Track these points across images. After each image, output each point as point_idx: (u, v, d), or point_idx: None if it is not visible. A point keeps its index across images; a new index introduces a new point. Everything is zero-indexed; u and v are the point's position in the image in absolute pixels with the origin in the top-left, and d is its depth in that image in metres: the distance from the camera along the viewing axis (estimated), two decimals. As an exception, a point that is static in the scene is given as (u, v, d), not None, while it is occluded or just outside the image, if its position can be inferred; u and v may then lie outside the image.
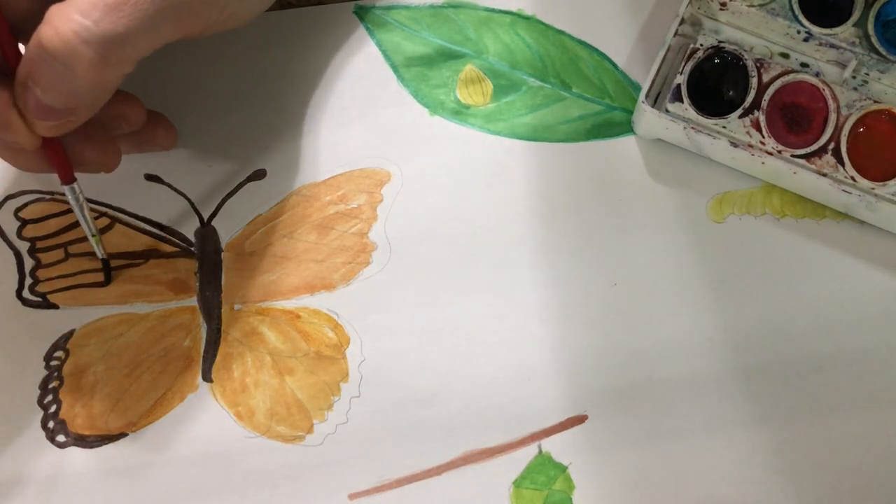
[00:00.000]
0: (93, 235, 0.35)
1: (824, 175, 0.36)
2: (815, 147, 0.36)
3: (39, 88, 0.29)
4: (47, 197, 0.38)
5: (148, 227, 0.37)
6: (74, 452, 0.35)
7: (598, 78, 0.39)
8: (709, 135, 0.36)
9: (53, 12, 0.29)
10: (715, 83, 0.37)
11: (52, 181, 0.38)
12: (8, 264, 0.37)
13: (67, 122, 0.31)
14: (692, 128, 0.36)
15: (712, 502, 0.34)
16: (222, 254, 0.37)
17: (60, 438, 0.35)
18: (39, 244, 0.37)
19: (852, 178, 0.36)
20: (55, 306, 0.36)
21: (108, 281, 0.37)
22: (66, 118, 0.30)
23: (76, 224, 0.37)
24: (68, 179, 0.34)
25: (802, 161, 0.36)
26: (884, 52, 0.36)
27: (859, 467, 0.34)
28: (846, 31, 0.37)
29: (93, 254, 0.37)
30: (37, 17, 0.31)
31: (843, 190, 0.35)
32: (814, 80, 0.36)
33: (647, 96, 0.36)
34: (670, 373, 0.35)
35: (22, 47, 0.32)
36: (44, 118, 0.30)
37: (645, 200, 0.37)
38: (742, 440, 0.35)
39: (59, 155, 0.33)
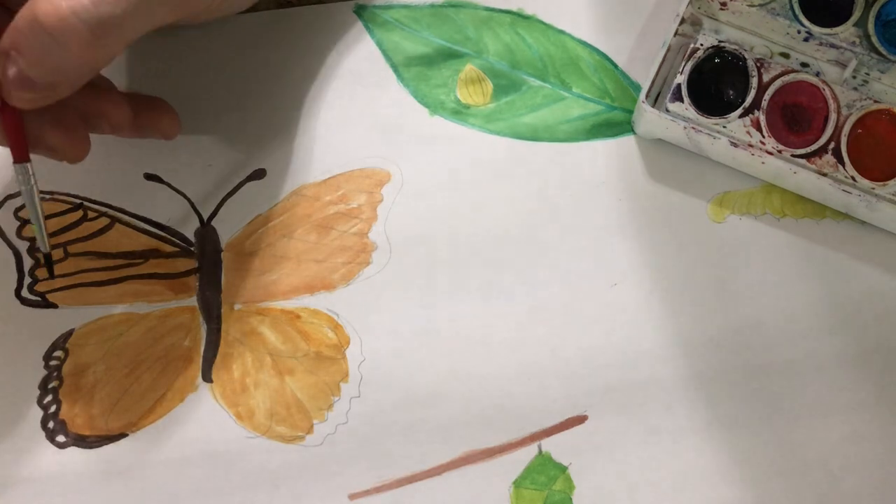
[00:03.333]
0: (39, 225, 0.34)
1: (824, 175, 0.36)
2: (815, 147, 0.36)
3: (25, 60, 0.29)
4: (47, 197, 0.38)
5: (148, 227, 0.37)
6: (74, 452, 0.35)
7: (598, 78, 0.39)
8: (709, 135, 0.36)
9: None
10: (715, 83, 0.37)
11: (51, 181, 0.38)
12: (7, 264, 0.37)
13: (44, 97, 0.30)
14: (692, 128, 0.36)
15: (712, 502, 0.34)
16: (222, 254, 0.37)
17: (60, 438, 0.35)
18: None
19: (852, 178, 0.36)
20: (54, 306, 0.36)
21: (51, 276, 0.36)
22: (44, 92, 0.30)
23: (75, 224, 0.37)
24: (21, 158, 0.32)
25: (802, 161, 0.36)
26: (884, 52, 0.36)
27: (860, 467, 0.34)
28: (846, 31, 0.37)
29: (93, 253, 0.37)
30: None
31: (843, 190, 0.35)
32: (814, 80, 0.36)
33: (647, 96, 0.36)
34: (670, 373, 0.35)
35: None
36: (21, 89, 0.30)
37: (645, 200, 0.37)
38: (742, 440, 0.35)
39: (18, 129, 0.31)
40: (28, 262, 0.37)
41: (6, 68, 0.29)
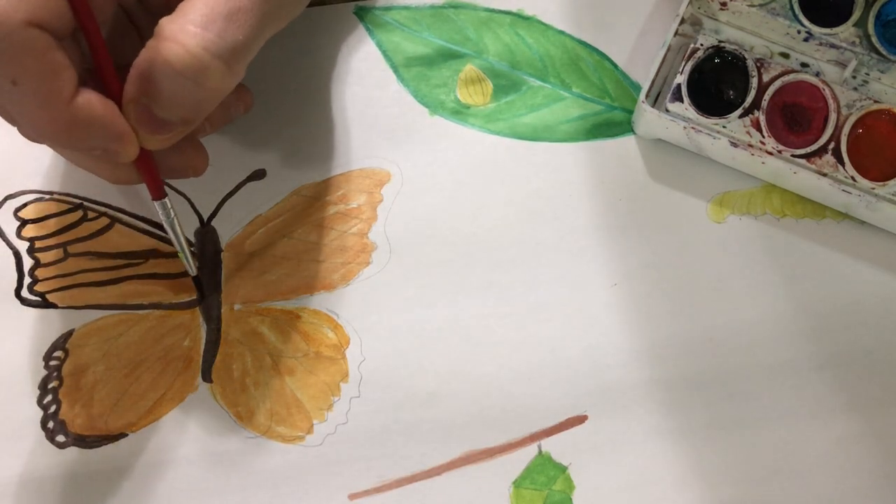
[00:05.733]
0: (184, 253, 0.34)
1: (824, 175, 0.36)
2: (815, 147, 0.36)
3: (158, 104, 0.29)
4: (46, 197, 0.38)
5: (148, 227, 0.37)
6: (74, 452, 0.35)
7: (598, 78, 0.39)
8: (709, 135, 0.36)
9: (171, 27, 0.28)
10: (715, 83, 0.37)
11: (51, 181, 0.38)
12: (7, 264, 0.37)
13: (179, 134, 0.30)
14: (692, 128, 0.36)
15: (712, 502, 0.34)
16: (222, 254, 0.37)
17: (60, 438, 0.35)
18: (38, 244, 0.37)
19: (852, 178, 0.36)
20: (54, 306, 0.36)
21: (202, 297, 0.36)
22: (179, 129, 0.30)
23: (75, 224, 0.37)
24: (160, 195, 0.32)
25: (802, 161, 0.36)
26: (884, 52, 0.36)
27: (860, 467, 0.34)
28: (846, 31, 0.37)
29: (93, 253, 0.37)
30: (117, 21, 0.31)
31: (843, 190, 0.35)
32: (814, 80, 0.36)
33: (647, 96, 0.36)
34: (670, 373, 0.35)
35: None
36: (158, 132, 0.29)
37: (645, 200, 0.37)
38: (742, 440, 0.35)
39: (151, 169, 0.32)
40: (28, 263, 0.37)
41: (139, 114, 0.29)
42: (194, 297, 0.37)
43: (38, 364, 0.36)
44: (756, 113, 0.36)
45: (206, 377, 0.36)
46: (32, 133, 0.29)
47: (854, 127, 0.36)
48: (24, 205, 0.38)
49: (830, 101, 0.36)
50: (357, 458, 0.35)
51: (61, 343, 0.36)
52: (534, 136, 0.38)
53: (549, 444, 0.35)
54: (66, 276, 0.37)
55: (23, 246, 0.37)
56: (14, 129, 0.30)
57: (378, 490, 0.34)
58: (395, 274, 0.37)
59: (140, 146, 0.30)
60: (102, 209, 0.38)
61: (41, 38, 0.27)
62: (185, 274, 0.37)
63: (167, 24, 0.28)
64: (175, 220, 0.33)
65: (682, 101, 0.36)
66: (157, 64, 0.28)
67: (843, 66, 0.37)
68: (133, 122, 0.29)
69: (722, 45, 0.37)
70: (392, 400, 0.35)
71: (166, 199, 0.33)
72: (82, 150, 0.30)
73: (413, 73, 0.39)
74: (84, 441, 0.35)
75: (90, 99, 0.28)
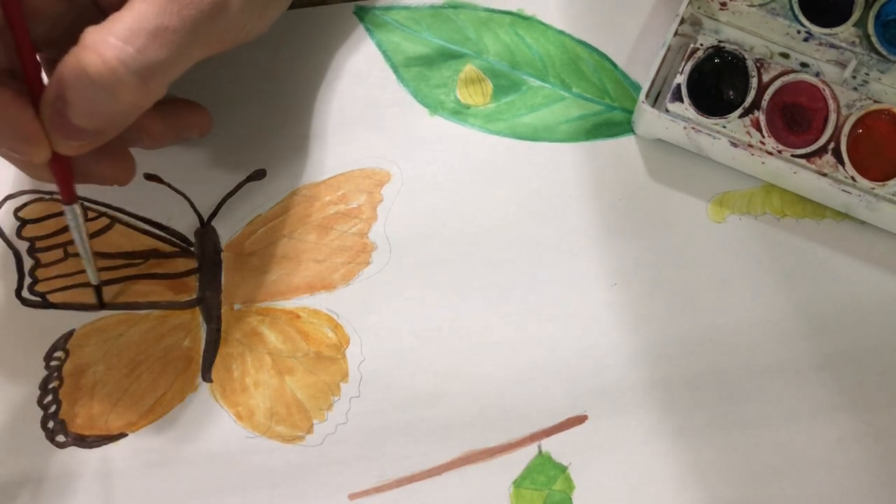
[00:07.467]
0: (88, 261, 0.35)
1: (824, 175, 0.36)
2: (815, 147, 0.36)
3: (73, 110, 0.29)
4: (47, 197, 0.38)
5: (148, 227, 0.37)
6: (74, 452, 0.35)
7: (598, 78, 0.39)
8: (709, 135, 0.36)
9: (94, 37, 0.28)
10: (715, 83, 0.37)
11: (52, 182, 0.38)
12: (7, 264, 0.37)
13: (92, 143, 0.30)
14: (692, 128, 0.36)
15: (712, 502, 0.34)
16: (222, 254, 0.37)
17: (60, 438, 0.35)
18: (39, 244, 0.37)
19: (852, 178, 0.36)
20: (54, 306, 0.36)
21: (102, 305, 0.36)
22: (92, 138, 0.30)
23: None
24: (70, 199, 0.33)
25: (802, 161, 0.36)
26: (884, 52, 0.36)
27: (860, 467, 0.34)
28: (846, 31, 0.37)
29: (93, 254, 0.37)
30: (59, 23, 0.31)
31: (843, 190, 0.35)
32: (814, 80, 0.36)
33: (647, 96, 0.36)
34: (670, 373, 0.35)
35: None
36: (70, 138, 0.30)
37: (645, 200, 0.37)
38: (742, 440, 0.35)
39: (66, 173, 0.32)
40: (28, 263, 0.37)
41: (53, 118, 0.29)
42: (194, 296, 0.37)
43: (39, 364, 0.36)
44: (756, 113, 0.36)
45: (206, 377, 0.36)
46: None
47: (854, 127, 0.36)
48: (24, 205, 0.38)
49: (830, 101, 0.36)
50: (357, 458, 0.35)
51: (62, 343, 0.36)
52: (534, 136, 0.38)
53: (549, 444, 0.35)
54: (67, 276, 0.37)
55: (23, 246, 0.37)
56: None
57: (378, 490, 0.34)
58: (395, 274, 0.37)
59: (57, 151, 0.30)
60: (102, 209, 0.38)
61: None
62: (185, 274, 0.37)
63: (91, 32, 0.28)
64: (82, 228, 0.33)
65: (681, 101, 0.36)
66: (74, 70, 0.28)
67: (843, 66, 0.37)
68: (46, 124, 0.29)
69: (722, 45, 0.37)
70: (392, 400, 0.35)
71: (75, 206, 0.33)
72: None
73: (413, 73, 0.39)
74: (84, 441, 0.35)
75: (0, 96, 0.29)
